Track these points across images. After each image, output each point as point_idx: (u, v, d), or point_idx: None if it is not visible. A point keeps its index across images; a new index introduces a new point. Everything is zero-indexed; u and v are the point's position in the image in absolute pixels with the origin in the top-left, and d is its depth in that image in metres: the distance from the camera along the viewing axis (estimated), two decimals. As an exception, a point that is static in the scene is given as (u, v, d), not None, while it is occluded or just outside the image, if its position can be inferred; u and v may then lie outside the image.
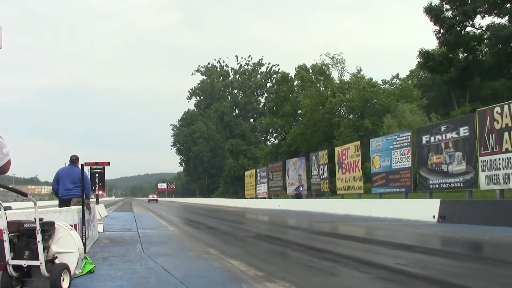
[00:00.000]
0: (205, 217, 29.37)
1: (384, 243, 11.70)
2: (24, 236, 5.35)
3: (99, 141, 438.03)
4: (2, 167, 3.32)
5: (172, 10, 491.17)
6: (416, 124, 40.15)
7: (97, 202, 29.47)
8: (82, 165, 9.33)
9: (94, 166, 30.93)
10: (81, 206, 8.64)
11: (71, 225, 7.72)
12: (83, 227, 8.07)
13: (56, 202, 12.09)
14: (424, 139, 22.81)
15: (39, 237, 5.21)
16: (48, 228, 5.59)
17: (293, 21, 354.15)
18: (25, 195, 5.05)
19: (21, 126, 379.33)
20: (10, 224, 5.31)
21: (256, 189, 54.59)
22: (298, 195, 39.52)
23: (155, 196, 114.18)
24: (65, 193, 11.12)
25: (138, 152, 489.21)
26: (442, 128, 21.56)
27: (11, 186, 4.21)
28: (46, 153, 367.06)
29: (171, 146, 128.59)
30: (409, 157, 24.75)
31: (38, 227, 5.28)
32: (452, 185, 20.83)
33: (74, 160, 11.58)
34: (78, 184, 10.71)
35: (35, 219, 5.33)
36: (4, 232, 5.24)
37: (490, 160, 18.39)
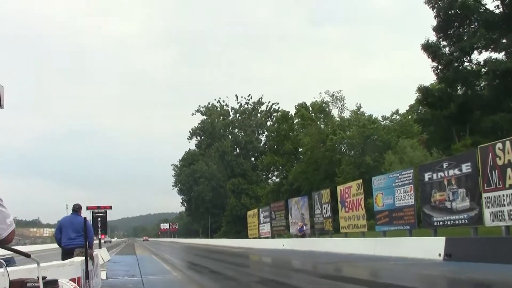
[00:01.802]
0: (208, 259, 29.10)
1: (391, 286, 11.52)
2: (27, 296, 5.26)
3: (99, 181, 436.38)
4: (6, 237, 3.29)
5: (169, 49, 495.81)
6: (418, 159, 40.08)
7: (100, 246, 29.29)
8: (85, 218, 9.29)
9: (96, 210, 30.81)
10: (84, 258, 8.54)
11: (75, 278, 7.65)
12: (87, 281, 7.96)
13: (57, 245, 12.02)
14: (427, 176, 22.71)
15: (42, 296, 5.12)
16: (51, 287, 5.50)
17: (291, 59, 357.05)
18: (28, 256, 4.97)
19: (20, 167, 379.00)
20: (12, 283, 5.22)
21: (259, 228, 54.17)
22: (301, 235, 39.19)
23: (147, 238, 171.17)
24: (68, 243, 11.05)
25: (139, 193, 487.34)
26: (444, 165, 21.47)
27: (13, 247, 4.15)
28: (47, 195, 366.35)
29: (173, 186, 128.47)
30: (412, 195, 24.60)
31: (41, 287, 5.19)
32: (457, 222, 20.65)
33: (76, 209, 11.57)
34: (80, 233, 10.64)
35: (38, 278, 5.25)
36: (7, 292, 5.15)
37: (494, 196, 18.28)
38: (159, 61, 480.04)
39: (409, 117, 60.35)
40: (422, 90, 49.24)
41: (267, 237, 49.64)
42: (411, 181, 24.79)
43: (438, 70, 46.63)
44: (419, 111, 61.99)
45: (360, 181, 32.17)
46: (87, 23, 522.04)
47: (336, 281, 13.57)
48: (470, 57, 45.98)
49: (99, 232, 29.61)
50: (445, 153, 42.43)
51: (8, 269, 5.34)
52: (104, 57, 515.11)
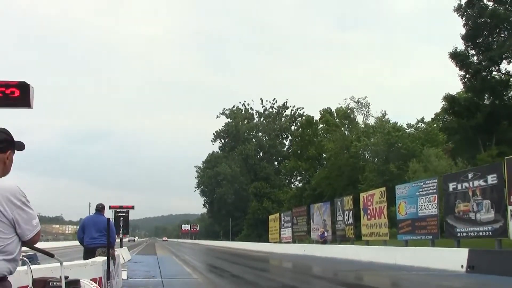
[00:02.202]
0: (229, 262, 29.13)
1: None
2: (49, 295, 5.33)
3: (123, 181, 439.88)
4: (32, 238, 3.37)
5: (195, 51, 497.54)
6: (442, 169, 39.70)
7: (121, 246, 29.50)
8: (108, 219, 9.37)
9: (118, 210, 30.97)
10: (105, 258, 8.62)
11: (96, 278, 7.72)
12: (108, 282, 8.03)
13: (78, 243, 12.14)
14: (451, 186, 22.48)
15: (64, 296, 5.18)
16: (73, 287, 5.56)
17: (317, 64, 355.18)
18: (51, 255, 5.04)
19: (46, 166, 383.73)
20: (36, 281, 5.29)
21: (280, 233, 54.11)
22: (323, 241, 39.06)
23: (166, 238, 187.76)
24: (90, 242, 11.17)
25: (162, 193, 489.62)
26: (469, 176, 21.23)
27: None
28: (70, 193, 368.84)
29: (195, 187, 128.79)
30: (436, 204, 24.34)
31: (63, 286, 5.25)
32: (481, 233, 20.39)
33: (100, 208, 11.69)
34: (103, 233, 10.76)
35: (60, 277, 5.31)
36: (30, 291, 5.22)
37: (520, 209, 18.02)
38: (184, 63, 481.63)
39: (435, 125, 59.78)
40: (449, 98, 48.77)
41: (288, 242, 49.56)
42: (435, 190, 24.54)
43: (466, 79, 46.15)
44: (445, 119, 61.41)
45: (383, 189, 31.93)
46: (112, 23, 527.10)
47: (356, 290, 13.50)
48: (499, 66, 45.43)
49: (121, 231, 29.77)
50: (470, 163, 41.98)
51: (32, 267, 5.42)
52: (129, 58, 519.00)
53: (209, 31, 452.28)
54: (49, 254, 5.23)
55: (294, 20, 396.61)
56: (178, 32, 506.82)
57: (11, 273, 3.33)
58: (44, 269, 6.37)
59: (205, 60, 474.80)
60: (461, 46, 46.02)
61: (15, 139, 3.48)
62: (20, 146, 3.54)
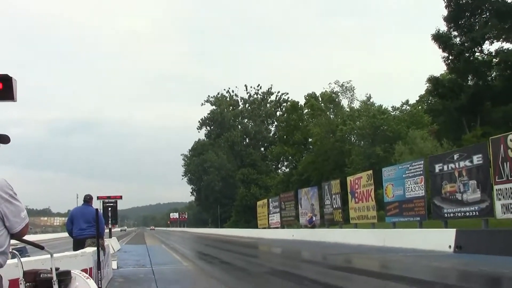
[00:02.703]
0: (218, 249, 29.20)
1: (401, 278, 11.51)
2: (40, 287, 5.30)
3: (109, 172, 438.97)
4: (20, 231, 3.36)
5: (179, 41, 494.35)
6: (428, 150, 39.92)
7: (110, 236, 29.45)
8: (96, 209, 9.34)
9: (106, 200, 30.90)
10: (95, 248, 8.60)
11: (87, 269, 7.70)
12: (99, 272, 8.02)
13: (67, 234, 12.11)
14: (437, 167, 22.62)
15: (55, 287, 5.17)
16: (64, 278, 5.54)
17: (301, 49, 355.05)
18: (41, 247, 5.03)
19: (31, 158, 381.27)
20: (26, 274, 5.26)
21: (268, 219, 54.21)
22: (311, 226, 39.19)
23: (153, 227, 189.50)
24: (79, 233, 11.15)
25: (149, 182, 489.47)
26: (455, 156, 21.37)
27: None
28: (57, 186, 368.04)
29: (182, 176, 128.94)
30: (423, 186, 24.48)
31: (54, 278, 5.23)
32: (467, 214, 20.57)
33: (87, 199, 11.67)
34: (92, 224, 10.74)
35: (51, 269, 5.29)
36: (21, 283, 5.19)
37: (506, 188, 18.17)
38: (169, 54, 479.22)
39: (419, 107, 60.13)
40: (433, 80, 48.93)
41: (277, 227, 49.68)
42: (421, 172, 24.67)
43: (449, 61, 46.27)
44: (429, 101, 61.69)
45: (370, 172, 32.06)
46: (98, 17, 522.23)
47: (346, 273, 13.58)
48: (482, 47, 45.62)
49: (110, 221, 29.72)
50: (455, 144, 42.25)
51: (22, 259, 5.39)
52: (114, 50, 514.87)
53: (192, 21, 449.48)
54: (38, 246, 5.21)
55: (277, 6, 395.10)
56: (162, 23, 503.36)
57: (1, 266, 3.31)
58: (34, 261, 6.34)
59: (188, 50, 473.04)
60: (443, 27, 46.15)
61: (-1, 132, 3.44)
62: (5, 139, 3.51)
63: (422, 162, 25.44)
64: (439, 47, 45.79)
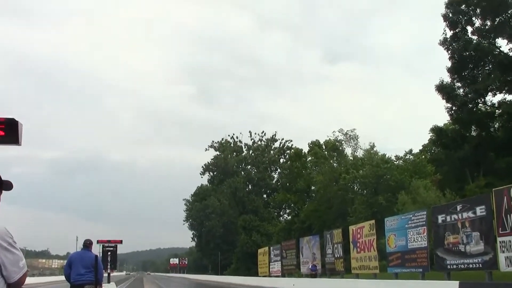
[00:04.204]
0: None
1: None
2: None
3: (110, 214, 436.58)
4: (18, 280, 3.30)
5: (185, 85, 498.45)
6: (431, 200, 39.71)
7: (108, 281, 29.14)
8: (96, 256, 9.27)
9: (106, 244, 30.73)
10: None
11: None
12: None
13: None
14: (440, 218, 22.50)
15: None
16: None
17: (305, 97, 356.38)
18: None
19: (32, 198, 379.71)
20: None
21: (269, 267, 53.78)
22: (313, 275, 38.69)
23: (149, 272, 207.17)
24: (77, 278, 11.01)
25: (150, 227, 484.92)
26: (458, 208, 21.28)
27: None
28: (57, 227, 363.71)
29: (184, 221, 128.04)
30: (425, 237, 24.31)
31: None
32: (471, 265, 20.36)
33: (87, 244, 11.58)
34: (90, 269, 10.65)
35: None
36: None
37: (510, 240, 18.02)
38: (173, 97, 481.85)
39: (423, 157, 60.01)
40: (436, 130, 49.14)
41: (278, 276, 49.21)
42: (424, 222, 24.55)
43: (452, 111, 46.57)
44: (433, 151, 61.71)
45: (373, 221, 31.90)
46: (104, 55, 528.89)
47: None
48: (485, 98, 45.99)
49: (109, 266, 29.47)
50: (458, 194, 42.07)
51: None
52: (118, 90, 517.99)
53: (197, 66, 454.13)
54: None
55: (283, 52, 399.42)
56: (168, 66, 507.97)
57: None
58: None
59: (194, 94, 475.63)
60: (447, 78, 46.58)
61: (2, 175, 3.45)
62: (8, 186, 3.51)
63: (425, 212, 25.32)
64: (443, 98, 46.14)
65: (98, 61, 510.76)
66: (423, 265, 24.24)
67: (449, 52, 46.07)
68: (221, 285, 50.12)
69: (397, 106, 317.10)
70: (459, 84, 46.44)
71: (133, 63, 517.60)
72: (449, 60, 46.35)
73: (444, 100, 46.35)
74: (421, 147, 65.28)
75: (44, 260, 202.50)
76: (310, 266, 39.72)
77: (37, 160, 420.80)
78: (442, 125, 51.16)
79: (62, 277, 15.11)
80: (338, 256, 36.13)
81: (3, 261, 3.19)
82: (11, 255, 3.24)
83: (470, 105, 45.72)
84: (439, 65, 76.43)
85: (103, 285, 12.54)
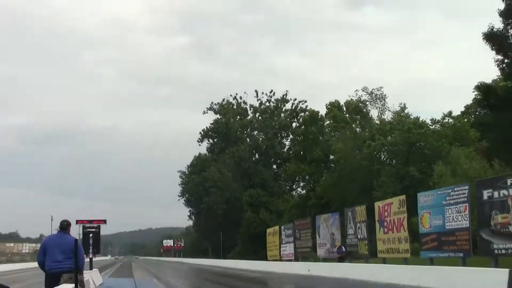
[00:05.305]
0: (221, 286, 28.96)
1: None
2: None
3: (91, 190, 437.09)
4: None
5: (178, 35, 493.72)
6: (474, 172, 39.56)
7: (91, 267, 29.26)
8: (76, 240, 9.15)
9: (87, 225, 30.77)
10: (73, 285, 8.40)
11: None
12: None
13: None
14: (486, 194, 22.30)
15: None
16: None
17: (322, 48, 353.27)
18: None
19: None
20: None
21: (280, 250, 54.00)
22: (341, 258, 38.44)
23: (137, 257, 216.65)
24: (53, 265, 10.93)
25: (138, 204, 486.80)
26: (509, 182, 21.03)
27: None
28: (28, 205, 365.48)
29: (179, 196, 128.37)
30: (467, 216, 24.15)
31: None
32: (523, 250, 20.29)
33: (64, 226, 11.48)
34: (69, 255, 10.56)
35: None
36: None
37: None
38: (164, 50, 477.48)
39: (465, 120, 59.64)
40: (483, 88, 48.56)
41: (290, 260, 49.46)
42: (466, 199, 24.35)
43: (504, 65, 45.87)
44: (478, 113, 61.24)
45: (403, 197, 31.78)
46: (81, 4, 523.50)
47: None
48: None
49: (90, 251, 29.55)
50: (508, 165, 41.83)
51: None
52: (98, 42, 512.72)
53: (192, 10, 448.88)
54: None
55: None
56: (155, 12, 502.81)
57: None
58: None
59: (188, 45, 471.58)
60: (499, 24, 45.77)
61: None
62: None
63: (468, 187, 25.10)
64: (493, 48, 45.31)
65: (75, 10, 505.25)
66: (464, 249, 24.13)
67: (502, -10, 45.26)
68: (224, 271, 50.45)
69: (433, 60, 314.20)
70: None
71: (116, 11, 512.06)
72: (503, 1, 45.55)
73: (494, 51, 45.67)
74: (463, 109, 64.87)
75: (12, 244, 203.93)
76: (336, 249, 39.50)
77: (2, 127, 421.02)
78: (491, 81, 50.53)
79: (35, 264, 15.09)
80: (362, 237, 36.13)
81: None
82: None
83: (528, 57, 45.08)
84: (489, 8, 75.29)
85: (84, 272, 12.48)
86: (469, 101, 61.87)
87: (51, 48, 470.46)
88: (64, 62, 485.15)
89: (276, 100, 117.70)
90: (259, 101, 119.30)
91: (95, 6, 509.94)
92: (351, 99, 72.42)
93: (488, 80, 50.46)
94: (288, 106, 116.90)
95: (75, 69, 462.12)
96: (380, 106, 69.53)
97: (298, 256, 48.66)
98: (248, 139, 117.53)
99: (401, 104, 67.15)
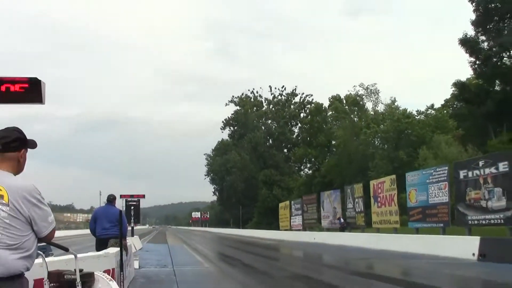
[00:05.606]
0: (240, 251, 29.20)
1: (425, 287, 11.38)
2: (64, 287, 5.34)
3: (132, 170, 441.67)
4: (48, 235, 3.41)
5: (203, 40, 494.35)
6: (453, 156, 39.52)
7: (132, 234, 29.60)
8: (120, 211, 9.39)
9: (129, 199, 31.05)
10: (118, 249, 8.64)
11: (109, 270, 7.75)
12: (121, 272, 8.07)
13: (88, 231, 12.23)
14: (462, 173, 22.38)
15: (79, 288, 5.20)
16: (87, 280, 5.57)
17: (326, 51, 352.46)
18: (66, 249, 5.07)
19: (54, 154, 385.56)
20: (50, 274, 5.30)
21: (290, 221, 54.21)
22: (342, 228, 38.64)
23: (170, 226, 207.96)
24: (102, 232, 11.21)
25: (171, 181, 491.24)
26: (480, 163, 21.11)
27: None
28: (80, 182, 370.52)
29: (205, 175, 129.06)
30: (447, 192, 24.26)
31: (78, 279, 5.26)
32: (492, 221, 20.32)
33: (111, 199, 11.76)
34: (115, 224, 10.81)
35: (75, 270, 5.32)
36: (45, 283, 5.23)
37: (532, 196, 17.92)
38: (193, 53, 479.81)
39: (445, 112, 59.45)
40: (459, 85, 48.43)
41: (299, 230, 49.63)
42: (445, 178, 24.44)
43: (476, 66, 45.76)
44: (455, 106, 61.02)
45: (394, 176, 31.92)
46: (121, 11, 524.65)
47: (368, 279, 13.48)
48: (510, 52, 45.02)
49: (132, 220, 29.85)
50: (480, 149, 41.75)
51: (46, 259, 5.44)
52: (138, 47, 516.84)
53: (216, 20, 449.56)
54: (63, 248, 5.25)
55: (302, 6, 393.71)
56: (187, 22, 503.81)
57: (28, 269, 3.35)
58: (58, 261, 6.39)
59: (213, 49, 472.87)
60: (471, 31, 45.59)
61: (26, 133, 3.49)
62: (33, 144, 3.57)
63: (447, 168, 25.19)
64: (466, 52, 45.30)
65: (116, 17, 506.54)
66: (444, 220, 24.26)
67: (473, 4, 45.02)
68: (242, 239, 50.73)
69: (419, 60, 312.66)
70: (483, 38, 45.53)
71: (152, 19, 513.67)
72: (474, 12, 45.32)
73: (468, 54, 45.51)
74: (443, 102, 64.63)
75: (69, 214, 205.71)
76: (338, 221, 39.64)
77: (59, 118, 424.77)
78: (465, 79, 50.36)
79: (87, 231, 15.38)
80: (359, 210, 36.28)
81: (33, 217, 3.28)
82: (40, 210, 3.33)
83: (495, 59, 44.89)
84: (464, 18, 74.79)
85: (127, 238, 12.75)
86: (448, 96, 61.71)
87: (97, 52, 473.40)
88: (108, 63, 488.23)
89: (287, 94, 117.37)
90: (272, 95, 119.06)
91: (138, 17, 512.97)
92: (350, 93, 72.38)
93: (463, 78, 50.46)
94: (297, 99, 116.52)
95: (120, 69, 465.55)
96: (374, 99, 69.49)
97: (306, 227, 48.86)
98: (263, 127, 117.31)
99: (392, 97, 66.95)
